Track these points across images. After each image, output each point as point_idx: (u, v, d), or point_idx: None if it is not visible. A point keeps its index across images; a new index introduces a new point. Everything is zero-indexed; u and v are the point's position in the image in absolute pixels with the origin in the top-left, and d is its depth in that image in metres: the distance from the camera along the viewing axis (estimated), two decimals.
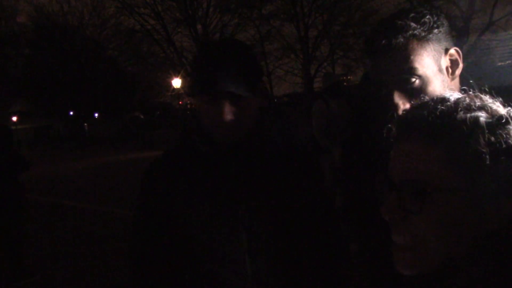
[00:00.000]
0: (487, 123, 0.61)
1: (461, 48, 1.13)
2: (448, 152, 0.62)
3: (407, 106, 1.07)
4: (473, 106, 0.64)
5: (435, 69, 1.08)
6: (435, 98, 0.68)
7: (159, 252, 1.29)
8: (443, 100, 0.66)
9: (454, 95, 0.67)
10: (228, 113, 1.15)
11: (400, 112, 1.06)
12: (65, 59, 30.74)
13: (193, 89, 1.19)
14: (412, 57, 1.06)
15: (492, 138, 0.61)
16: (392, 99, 1.08)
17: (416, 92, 1.05)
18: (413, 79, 1.06)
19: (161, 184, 1.28)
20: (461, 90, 0.69)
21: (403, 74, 1.06)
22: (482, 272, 0.60)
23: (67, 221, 7.27)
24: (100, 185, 10.85)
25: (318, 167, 1.41)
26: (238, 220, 1.20)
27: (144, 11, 27.32)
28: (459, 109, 0.63)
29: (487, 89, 0.69)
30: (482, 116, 0.62)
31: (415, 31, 1.06)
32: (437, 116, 0.64)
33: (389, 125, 0.70)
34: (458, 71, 1.12)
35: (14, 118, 38.72)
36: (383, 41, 1.06)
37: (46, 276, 4.80)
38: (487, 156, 0.60)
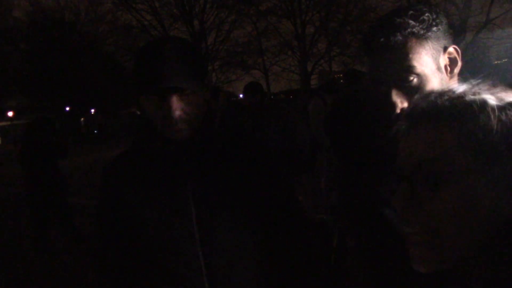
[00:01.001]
0: (496, 105, 0.62)
1: (458, 46, 1.13)
2: (460, 132, 0.61)
3: (405, 104, 1.07)
4: (481, 92, 0.64)
5: (434, 67, 1.08)
6: (441, 89, 0.69)
7: (118, 250, 1.32)
8: (450, 89, 0.67)
9: (461, 85, 0.68)
10: (177, 109, 1.16)
11: (398, 110, 1.07)
12: (61, 55, 30.55)
13: (140, 86, 1.19)
14: (410, 55, 1.05)
15: (503, 116, 0.61)
16: (390, 98, 1.08)
17: (415, 91, 1.05)
18: (412, 78, 1.06)
19: (115, 184, 1.30)
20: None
21: (401, 72, 1.06)
22: (495, 274, 0.59)
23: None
24: (97, 181, 10.78)
25: (278, 161, 1.41)
26: (190, 215, 1.22)
27: (141, 6, 27.22)
28: (467, 93, 0.65)
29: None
30: (491, 98, 0.63)
31: (414, 29, 1.06)
32: (446, 99, 0.65)
33: (399, 121, 0.70)
34: (457, 70, 1.12)
35: (10, 113, 38.50)
36: (382, 39, 1.06)
37: None
38: (499, 134, 0.60)
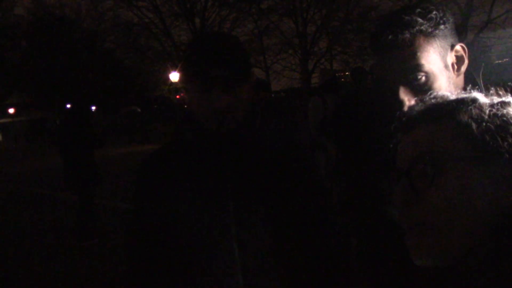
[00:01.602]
0: (487, 101, 0.67)
1: None
2: (454, 124, 0.64)
3: (413, 102, 1.07)
4: (472, 93, 0.70)
5: (441, 65, 1.07)
6: (434, 93, 0.74)
7: (154, 244, 1.31)
8: (444, 94, 0.72)
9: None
10: (221, 100, 1.15)
11: (406, 108, 1.06)
12: (62, 52, 30.56)
13: (186, 75, 1.21)
14: (418, 53, 1.05)
15: (494, 110, 0.64)
16: (397, 96, 1.07)
17: (422, 89, 1.05)
18: (420, 76, 1.05)
19: (154, 178, 1.30)
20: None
21: (409, 70, 1.06)
22: (497, 274, 0.58)
23: (66, 215, 7.23)
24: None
25: (313, 161, 1.41)
26: (227, 211, 1.21)
27: (142, 4, 27.20)
28: (459, 94, 0.70)
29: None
30: (482, 96, 0.68)
31: (422, 27, 1.05)
32: (439, 100, 0.70)
33: (394, 126, 0.73)
34: (463, 68, 1.12)
35: (11, 110, 38.55)
36: (390, 37, 1.05)
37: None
38: (492, 126, 0.62)
